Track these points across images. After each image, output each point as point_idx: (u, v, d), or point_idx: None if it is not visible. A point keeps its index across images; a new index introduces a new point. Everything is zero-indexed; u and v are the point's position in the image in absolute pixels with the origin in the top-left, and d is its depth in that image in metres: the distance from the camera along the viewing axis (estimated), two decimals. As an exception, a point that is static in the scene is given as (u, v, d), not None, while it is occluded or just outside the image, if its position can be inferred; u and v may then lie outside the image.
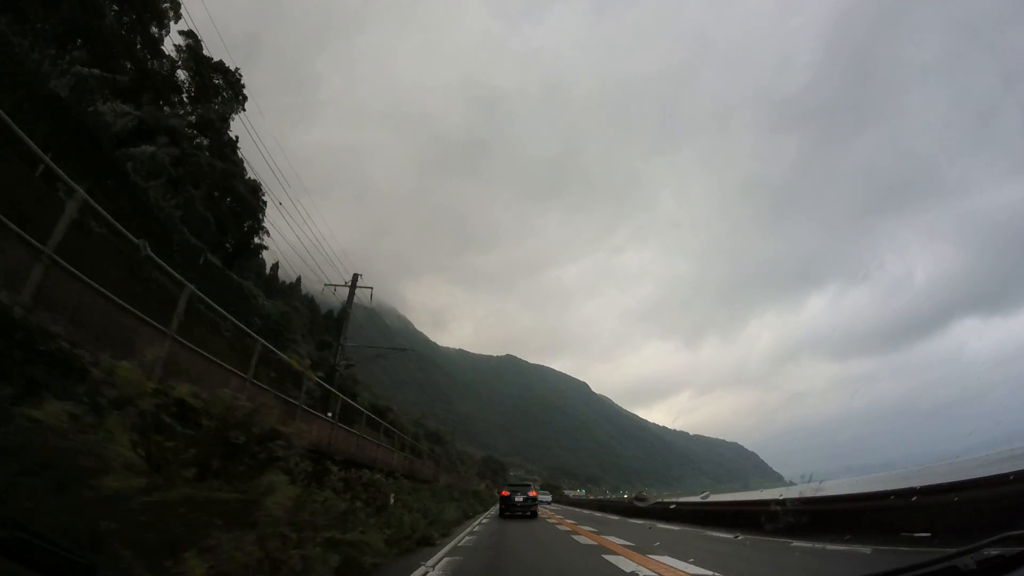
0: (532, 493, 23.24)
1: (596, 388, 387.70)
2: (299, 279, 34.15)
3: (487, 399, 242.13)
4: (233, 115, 22.75)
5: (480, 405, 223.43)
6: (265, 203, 24.24)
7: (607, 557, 7.95)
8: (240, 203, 23.15)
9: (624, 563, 7.15)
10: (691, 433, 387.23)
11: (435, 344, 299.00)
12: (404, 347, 27.32)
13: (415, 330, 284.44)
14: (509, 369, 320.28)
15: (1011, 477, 5.12)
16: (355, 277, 22.40)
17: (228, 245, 22.88)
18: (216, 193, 21.37)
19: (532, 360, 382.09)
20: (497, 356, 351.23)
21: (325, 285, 22.26)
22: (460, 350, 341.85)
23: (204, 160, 20.36)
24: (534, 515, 22.14)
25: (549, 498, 51.95)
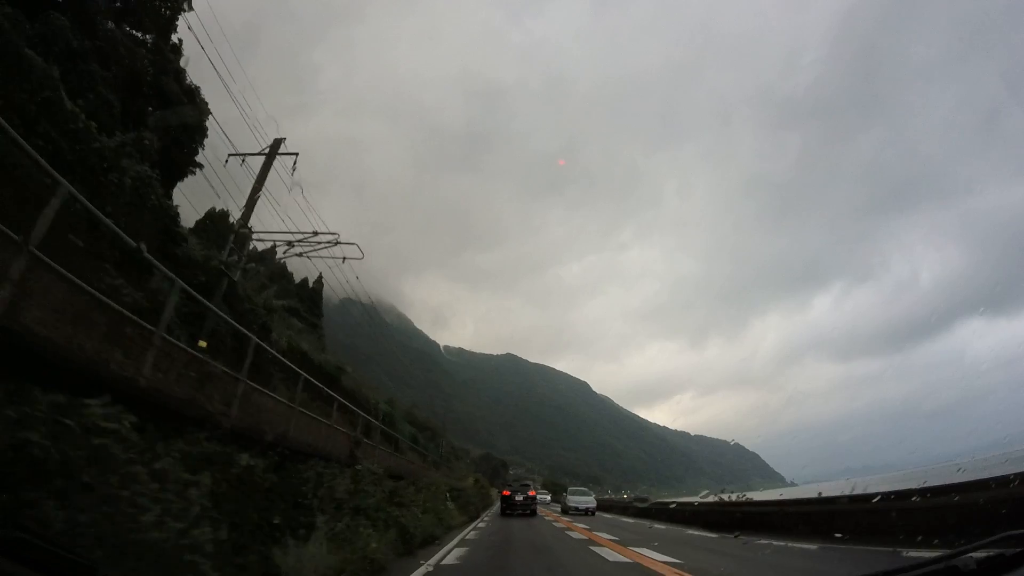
0: (531, 493, 24.77)
1: (597, 388, 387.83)
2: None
3: (487, 398, 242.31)
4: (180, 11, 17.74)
5: (480, 404, 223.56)
6: (208, 115, 18.56)
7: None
8: (166, 102, 17.37)
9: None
10: (692, 433, 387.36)
11: (435, 342, 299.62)
12: (338, 237, 16.30)
13: (414, 328, 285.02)
14: (509, 368, 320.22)
15: (1011, 479, 5.15)
16: (276, 143, 16.31)
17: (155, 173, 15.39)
18: (140, 88, 16.20)
19: (533, 359, 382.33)
20: (497, 355, 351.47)
21: (231, 155, 16.12)
22: (460, 349, 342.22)
23: (122, 40, 15.79)
24: (534, 513, 23.53)
25: (592, 504, 26.42)
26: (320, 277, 27.28)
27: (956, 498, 5.84)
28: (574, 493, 29.53)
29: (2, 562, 1.26)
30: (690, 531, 13.74)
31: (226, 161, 16.15)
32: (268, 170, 15.64)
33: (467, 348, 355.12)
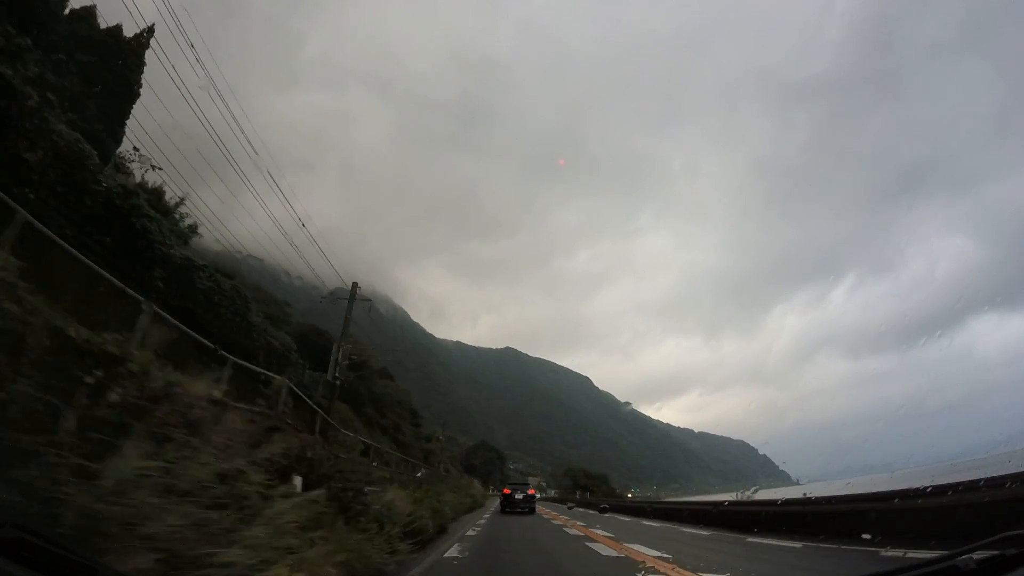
0: (531, 491, 25.82)
1: (600, 384, 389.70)
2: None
3: (485, 392, 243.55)
4: None
5: (478, 398, 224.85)
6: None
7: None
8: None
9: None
10: (696, 431, 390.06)
11: (432, 336, 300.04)
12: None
13: (411, 320, 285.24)
14: (509, 363, 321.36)
15: (1009, 481, 5.23)
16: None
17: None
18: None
19: (533, 354, 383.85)
20: (496, 349, 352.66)
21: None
22: (458, 342, 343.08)
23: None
24: (532, 511, 24.15)
25: None
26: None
27: (956, 500, 5.92)
28: None
29: (2, 562, 1.30)
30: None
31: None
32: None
33: (465, 342, 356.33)
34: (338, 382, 21.68)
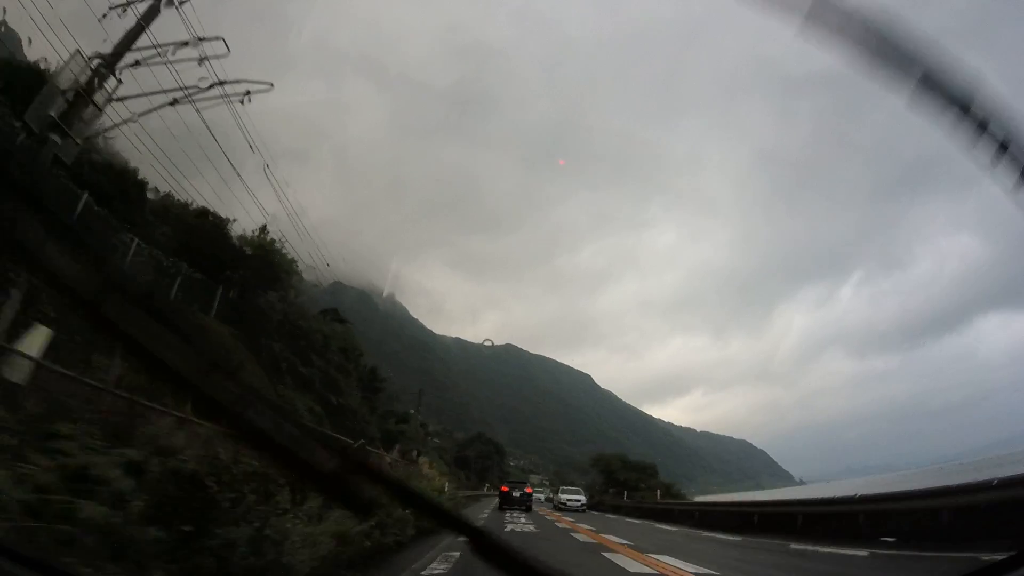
0: (528, 489, 27.20)
1: (601, 382, 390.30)
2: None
3: (485, 389, 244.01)
4: None
5: (478, 395, 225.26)
6: None
7: None
8: None
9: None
10: (697, 430, 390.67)
11: (431, 332, 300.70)
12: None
13: (410, 316, 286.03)
14: (509, 360, 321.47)
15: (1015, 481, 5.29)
16: None
17: None
18: None
19: (534, 351, 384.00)
20: (497, 345, 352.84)
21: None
22: (457, 339, 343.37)
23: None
24: (528, 509, 25.05)
25: None
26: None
27: (957, 501, 5.97)
28: None
29: (2, 562, 1.35)
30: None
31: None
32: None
33: (465, 338, 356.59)
34: (58, 141, 9.58)
